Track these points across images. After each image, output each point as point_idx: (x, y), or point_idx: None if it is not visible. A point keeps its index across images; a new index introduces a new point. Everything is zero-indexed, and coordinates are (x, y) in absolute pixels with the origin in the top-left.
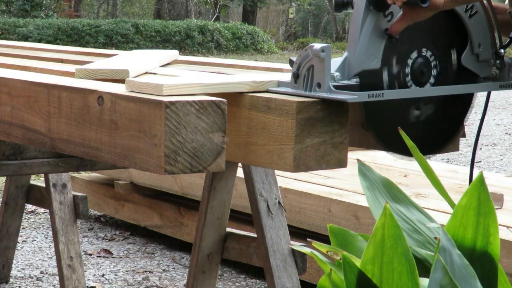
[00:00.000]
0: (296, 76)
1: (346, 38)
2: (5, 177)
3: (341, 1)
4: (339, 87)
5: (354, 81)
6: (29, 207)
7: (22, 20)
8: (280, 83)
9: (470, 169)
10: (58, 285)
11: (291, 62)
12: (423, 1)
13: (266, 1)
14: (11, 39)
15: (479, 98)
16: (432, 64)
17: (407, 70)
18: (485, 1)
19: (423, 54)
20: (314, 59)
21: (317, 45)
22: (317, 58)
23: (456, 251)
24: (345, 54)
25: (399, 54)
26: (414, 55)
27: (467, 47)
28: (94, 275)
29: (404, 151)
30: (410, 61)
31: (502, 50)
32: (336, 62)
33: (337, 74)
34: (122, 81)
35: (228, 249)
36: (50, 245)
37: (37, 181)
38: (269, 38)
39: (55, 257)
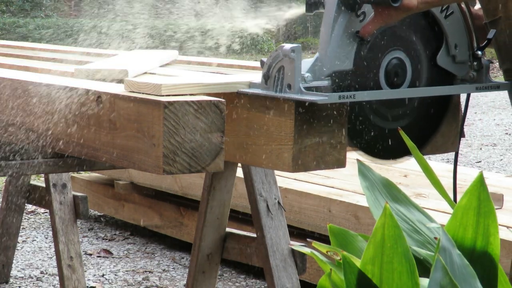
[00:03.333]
0: (266, 77)
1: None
2: (5, 177)
3: (312, 1)
4: (310, 89)
5: (325, 83)
6: (29, 207)
7: (22, 20)
8: (251, 84)
9: (454, 190)
10: (58, 285)
11: (262, 63)
12: (394, 1)
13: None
14: (11, 39)
15: (480, 98)
16: (407, 65)
17: (381, 71)
18: (463, 4)
19: (397, 55)
20: (285, 60)
21: (287, 46)
22: (288, 59)
23: (456, 251)
24: (316, 55)
25: (373, 55)
26: (388, 56)
27: (443, 48)
28: (94, 275)
29: (377, 154)
30: (384, 62)
31: (479, 52)
32: (307, 63)
33: (308, 75)
34: (121, 81)
35: (228, 249)
36: (50, 245)
37: (37, 181)
38: (269, 38)
39: (55, 257)
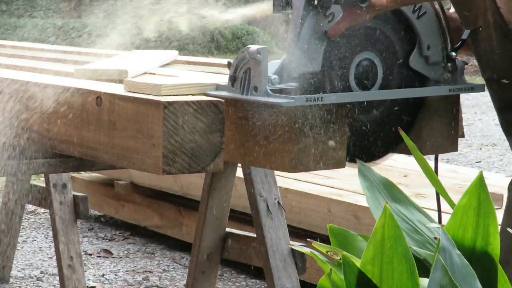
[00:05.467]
0: (233, 79)
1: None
2: (5, 177)
3: (280, 0)
4: (277, 91)
5: (293, 85)
6: (29, 207)
7: (22, 20)
8: (218, 87)
9: (438, 214)
10: (58, 285)
11: (229, 65)
12: (362, 0)
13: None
14: (11, 39)
15: (480, 98)
16: (378, 66)
17: (351, 72)
18: (436, 5)
19: (368, 56)
20: (251, 62)
21: (253, 47)
22: (254, 61)
23: (456, 251)
24: (284, 56)
25: (342, 56)
26: (358, 57)
27: (415, 49)
28: (94, 275)
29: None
30: (353, 64)
31: (453, 53)
32: (274, 64)
33: (275, 77)
34: (121, 81)
35: (228, 249)
36: (50, 245)
37: (37, 181)
38: (269, 38)
39: (55, 257)
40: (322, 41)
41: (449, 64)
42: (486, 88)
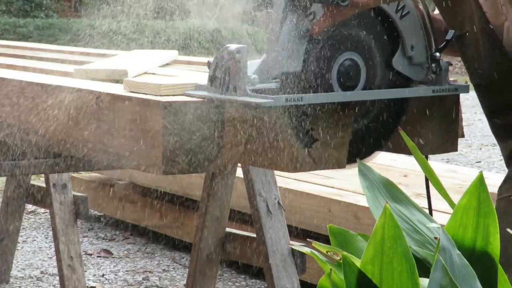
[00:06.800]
0: (212, 78)
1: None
2: (5, 177)
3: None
4: (257, 91)
5: (273, 85)
6: (29, 207)
7: (22, 20)
8: (198, 86)
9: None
10: (58, 285)
11: (209, 64)
12: None
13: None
14: (11, 39)
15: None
16: (361, 67)
17: (333, 73)
18: (420, 5)
19: (350, 56)
20: (230, 61)
21: (232, 46)
22: (233, 60)
23: (456, 251)
24: (264, 56)
25: (323, 56)
26: (340, 57)
27: (399, 49)
28: (94, 275)
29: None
30: (335, 64)
31: (437, 53)
32: (254, 64)
33: (254, 76)
34: (121, 81)
35: (228, 249)
36: (50, 245)
37: (37, 181)
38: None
39: (55, 257)
40: (303, 41)
41: (433, 65)
42: (471, 90)
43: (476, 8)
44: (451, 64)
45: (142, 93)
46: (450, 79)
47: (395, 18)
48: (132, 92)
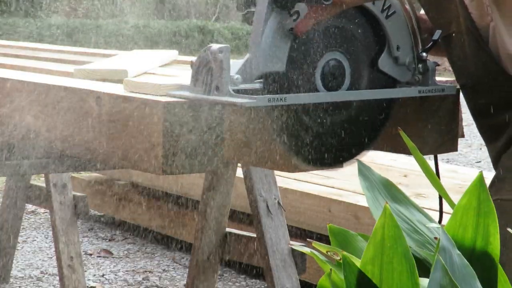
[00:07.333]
0: (195, 79)
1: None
2: (5, 177)
3: None
4: (240, 91)
5: (257, 85)
6: (29, 207)
7: (22, 20)
8: (181, 87)
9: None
10: (58, 285)
11: (192, 64)
12: None
13: None
14: (11, 39)
15: None
16: (346, 67)
17: (316, 72)
18: (406, 5)
19: (335, 56)
20: (213, 61)
21: (215, 46)
22: (216, 60)
23: (456, 251)
24: (247, 55)
25: (307, 55)
26: (325, 57)
27: (385, 50)
28: (94, 275)
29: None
30: (320, 64)
31: (424, 54)
32: (237, 64)
33: (237, 77)
34: (121, 81)
35: (228, 249)
36: (50, 245)
37: (37, 181)
38: None
39: (55, 257)
40: (286, 40)
41: (419, 65)
42: (458, 91)
43: (461, 9)
44: (438, 65)
45: (142, 93)
46: (445, 79)
47: (381, 18)
48: (132, 92)
